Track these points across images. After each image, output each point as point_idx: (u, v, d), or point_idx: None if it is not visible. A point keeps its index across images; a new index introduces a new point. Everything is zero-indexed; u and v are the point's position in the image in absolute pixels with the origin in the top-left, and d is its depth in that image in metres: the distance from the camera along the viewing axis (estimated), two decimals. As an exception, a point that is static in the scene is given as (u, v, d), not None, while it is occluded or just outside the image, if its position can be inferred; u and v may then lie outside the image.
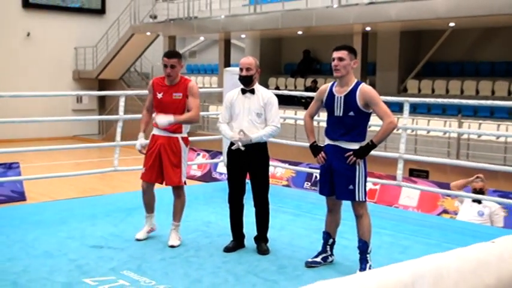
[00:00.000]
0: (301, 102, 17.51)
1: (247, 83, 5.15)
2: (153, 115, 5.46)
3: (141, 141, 5.40)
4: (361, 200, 4.59)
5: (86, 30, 25.01)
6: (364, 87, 4.57)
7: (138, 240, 5.40)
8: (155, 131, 5.37)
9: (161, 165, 5.32)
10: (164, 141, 5.30)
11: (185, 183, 5.40)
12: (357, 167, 4.56)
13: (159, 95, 5.31)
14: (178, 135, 5.33)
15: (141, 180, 5.45)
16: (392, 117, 4.51)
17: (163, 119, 5.20)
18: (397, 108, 12.67)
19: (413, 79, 17.46)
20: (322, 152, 4.72)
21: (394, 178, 7.01)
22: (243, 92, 5.17)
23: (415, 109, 15.47)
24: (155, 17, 22.53)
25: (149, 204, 5.53)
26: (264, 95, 5.14)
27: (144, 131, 5.43)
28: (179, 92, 5.28)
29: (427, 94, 16.48)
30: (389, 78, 17.55)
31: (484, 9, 12.67)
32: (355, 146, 4.57)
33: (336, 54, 4.59)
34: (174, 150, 5.31)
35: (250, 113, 5.09)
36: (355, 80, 4.61)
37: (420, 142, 13.75)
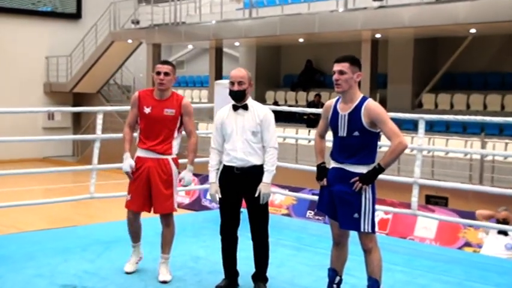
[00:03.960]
0: (303, 119, 17.53)
1: (239, 99, 5.09)
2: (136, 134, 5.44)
3: (130, 161, 5.30)
4: (367, 231, 4.55)
5: (59, 37, 25.13)
6: (370, 103, 4.56)
7: (127, 273, 5.41)
8: (140, 153, 5.34)
9: (149, 191, 5.30)
10: (153, 164, 5.27)
11: (176, 209, 5.40)
12: (363, 193, 4.55)
13: (147, 110, 5.29)
14: (169, 157, 5.32)
15: (126, 209, 5.42)
16: (402, 137, 4.50)
17: (189, 176, 5.34)
18: (411, 126, 12.71)
19: (429, 93, 17.56)
20: (325, 179, 4.72)
21: (408, 206, 7.01)
22: (235, 108, 5.12)
23: (432, 127, 15.53)
24: (137, 23, 22.65)
25: (136, 234, 5.52)
26: (260, 111, 5.10)
27: (130, 150, 5.36)
28: (172, 108, 5.29)
29: (445, 110, 16.54)
30: (403, 91, 17.63)
31: (510, 14, 12.77)
32: (362, 169, 4.55)
33: (336, 67, 4.58)
34: (165, 173, 5.29)
35: (244, 132, 5.03)
36: (361, 96, 4.61)
37: (438, 165, 13.78)
